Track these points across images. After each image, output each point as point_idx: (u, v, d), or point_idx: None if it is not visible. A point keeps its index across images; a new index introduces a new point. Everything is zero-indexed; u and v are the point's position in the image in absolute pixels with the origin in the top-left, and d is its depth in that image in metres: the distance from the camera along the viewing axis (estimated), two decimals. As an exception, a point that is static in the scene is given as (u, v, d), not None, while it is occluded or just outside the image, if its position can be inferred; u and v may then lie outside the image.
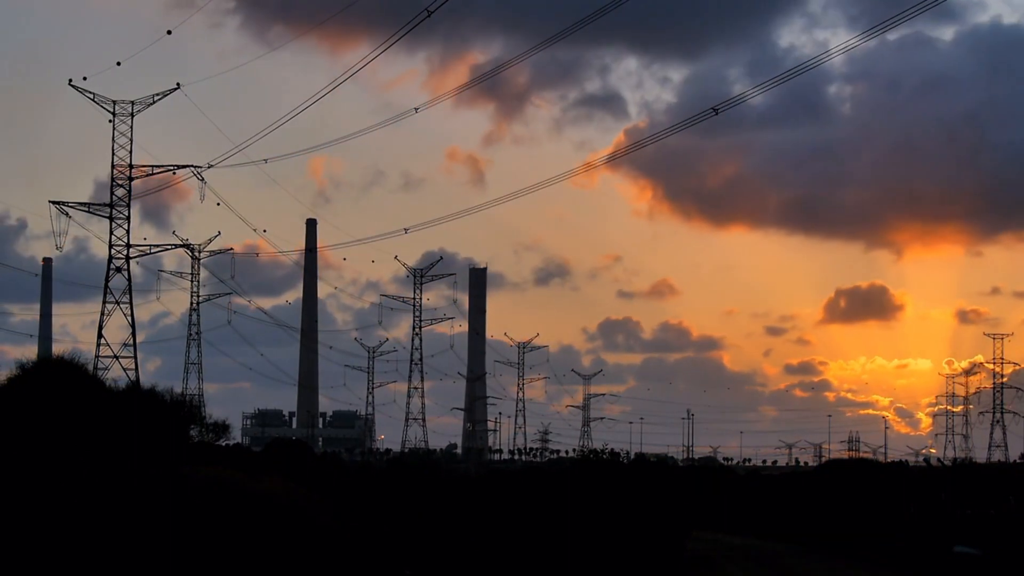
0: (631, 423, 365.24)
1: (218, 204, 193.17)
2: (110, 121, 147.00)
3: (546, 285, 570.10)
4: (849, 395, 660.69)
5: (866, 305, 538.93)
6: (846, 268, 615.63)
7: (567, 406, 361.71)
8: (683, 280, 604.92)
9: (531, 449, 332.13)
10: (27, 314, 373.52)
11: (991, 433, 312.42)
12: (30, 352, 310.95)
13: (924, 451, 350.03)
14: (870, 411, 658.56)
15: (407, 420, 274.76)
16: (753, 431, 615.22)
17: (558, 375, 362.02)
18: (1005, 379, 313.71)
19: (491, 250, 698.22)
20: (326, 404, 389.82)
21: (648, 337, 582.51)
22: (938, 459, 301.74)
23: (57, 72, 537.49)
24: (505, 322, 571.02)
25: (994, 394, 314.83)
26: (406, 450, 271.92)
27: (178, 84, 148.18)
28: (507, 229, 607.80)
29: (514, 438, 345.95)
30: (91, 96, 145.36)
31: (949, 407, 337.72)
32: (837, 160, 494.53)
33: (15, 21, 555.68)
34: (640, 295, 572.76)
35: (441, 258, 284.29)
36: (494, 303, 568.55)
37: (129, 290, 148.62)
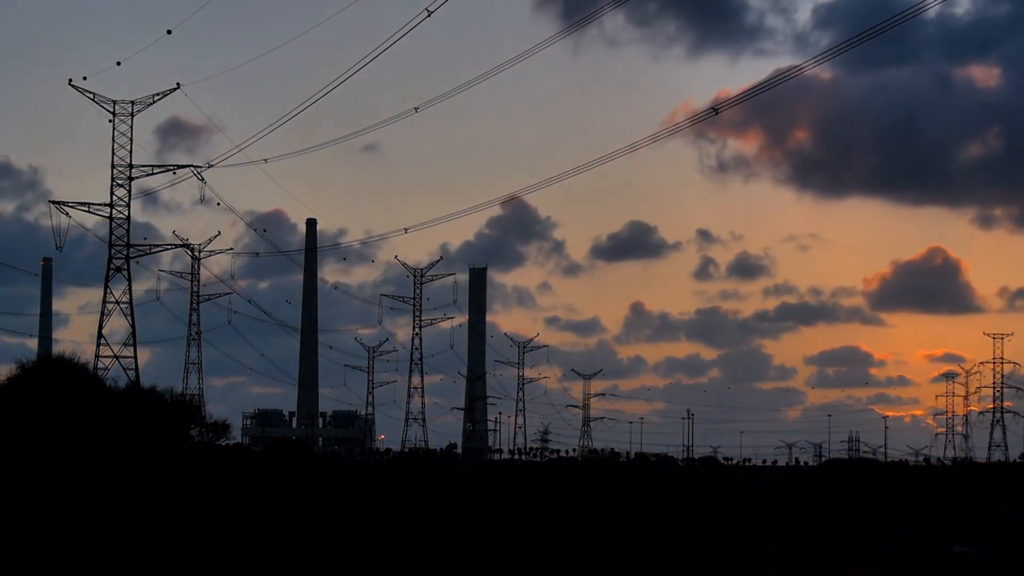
0: (631, 423, 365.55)
1: (218, 204, 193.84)
2: (110, 121, 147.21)
3: (602, 259, 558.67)
4: (888, 391, 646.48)
5: (933, 291, 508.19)
6: (920, 240, 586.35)
7: (567, 406, 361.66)
8: (741, 254, 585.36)
9: (531, 449, 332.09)
10: (27, 313, 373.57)
11: (991, 433, 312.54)
12: (31, 344, 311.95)
13: (924, 451, 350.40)
14: (903, 410, 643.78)
15: (407, 420, 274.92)
16: (773, 431, 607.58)
17: (565, 370, 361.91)
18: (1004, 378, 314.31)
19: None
20: (326, 404, 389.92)
21: (687, 324, 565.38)
22: (938, 459, 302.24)
23: (57, 72, 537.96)
24: (553, 301, 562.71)
25: (994, 393, 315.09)
26: (406, 450, 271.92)
27: (178, 84, 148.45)
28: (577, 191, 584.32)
29: (514, 438, 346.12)
30: (91, 96, 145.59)
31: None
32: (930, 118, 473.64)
33: (15, 21, 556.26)
34: (702, 274, 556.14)
35: (441, 258, 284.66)
36: (558, 280, 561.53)
37: (129, 290, 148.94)
